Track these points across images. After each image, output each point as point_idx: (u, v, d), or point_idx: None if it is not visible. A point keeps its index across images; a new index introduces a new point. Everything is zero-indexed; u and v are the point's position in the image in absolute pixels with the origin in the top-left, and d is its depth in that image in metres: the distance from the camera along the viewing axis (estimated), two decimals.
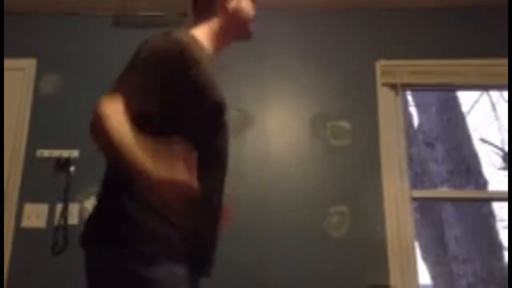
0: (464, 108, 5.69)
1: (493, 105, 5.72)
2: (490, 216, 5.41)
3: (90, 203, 2.63)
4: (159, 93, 1.22)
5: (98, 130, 1.13)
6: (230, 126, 1.42)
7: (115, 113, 1.14)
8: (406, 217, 2.57)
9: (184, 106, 1.26)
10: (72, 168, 2.68)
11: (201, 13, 1.49)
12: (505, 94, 4.50)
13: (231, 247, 2.39)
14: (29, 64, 2.90)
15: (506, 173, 5.60)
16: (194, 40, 1.35)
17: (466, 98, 5.66)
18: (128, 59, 1.27)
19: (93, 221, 1.25)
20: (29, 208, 2.65)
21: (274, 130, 2.74)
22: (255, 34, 1.54)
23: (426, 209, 5.50)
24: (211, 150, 1.30)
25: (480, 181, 5.40)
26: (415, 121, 5.78)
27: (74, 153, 2.70)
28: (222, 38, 1.47)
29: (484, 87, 3.30)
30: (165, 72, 1.23)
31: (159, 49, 1.25)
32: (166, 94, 1.23)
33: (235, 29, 1.49)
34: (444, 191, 4.90)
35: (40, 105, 2.83)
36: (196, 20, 1.49)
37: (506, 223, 5.32)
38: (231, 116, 2.40)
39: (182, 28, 1.39)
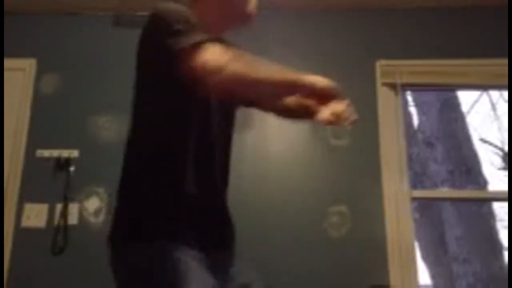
0: (464, 108, 5.69)
1: (493, 105, 5.72)
2: (490, 216, 5.41)
3: (90, 203, 2.63)
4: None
5: (216, 75, 1.13)
6: None
7: (212, 54, 1.14)
8: (406, 217, 2.57)
9: None
10: (72, 168, 2.68)
11: None
12: (505, 94, 4.50)
13: None
14: (29, 64, 2.90)
15: (506, 173, 5.60)
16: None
17: (466, 98, 5.67)
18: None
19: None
20: (29, 208, 2.65)
21: (274, 130, 2.74)
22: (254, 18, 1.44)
23: (426, 209, 5.49)
24: None
25: (480, 181, 5.40)
26: (415, 121, 5.78)
27: (74, 153, 2.69)
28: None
29: (484, 87, 3.31)
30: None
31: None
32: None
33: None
34: (444, 191, 4.90)
35: (40, 105, 2.83)
36: None
37: (506, 223, 5.32)
38: None
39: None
